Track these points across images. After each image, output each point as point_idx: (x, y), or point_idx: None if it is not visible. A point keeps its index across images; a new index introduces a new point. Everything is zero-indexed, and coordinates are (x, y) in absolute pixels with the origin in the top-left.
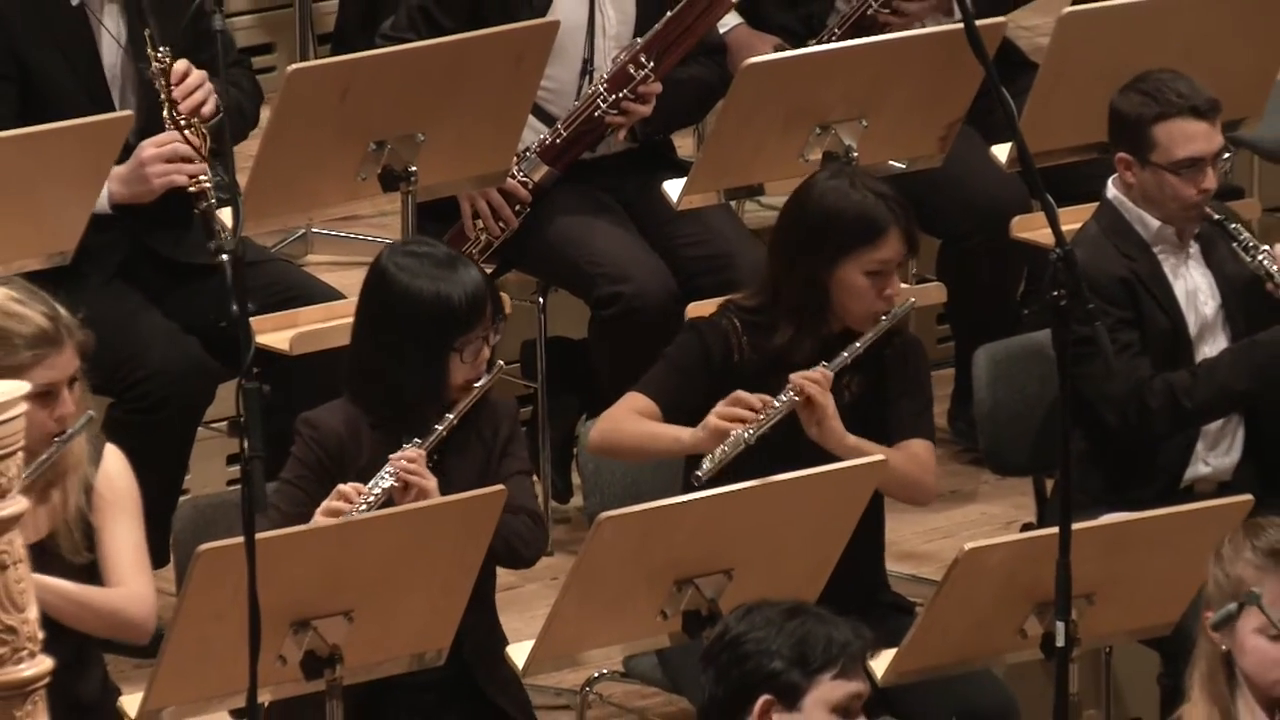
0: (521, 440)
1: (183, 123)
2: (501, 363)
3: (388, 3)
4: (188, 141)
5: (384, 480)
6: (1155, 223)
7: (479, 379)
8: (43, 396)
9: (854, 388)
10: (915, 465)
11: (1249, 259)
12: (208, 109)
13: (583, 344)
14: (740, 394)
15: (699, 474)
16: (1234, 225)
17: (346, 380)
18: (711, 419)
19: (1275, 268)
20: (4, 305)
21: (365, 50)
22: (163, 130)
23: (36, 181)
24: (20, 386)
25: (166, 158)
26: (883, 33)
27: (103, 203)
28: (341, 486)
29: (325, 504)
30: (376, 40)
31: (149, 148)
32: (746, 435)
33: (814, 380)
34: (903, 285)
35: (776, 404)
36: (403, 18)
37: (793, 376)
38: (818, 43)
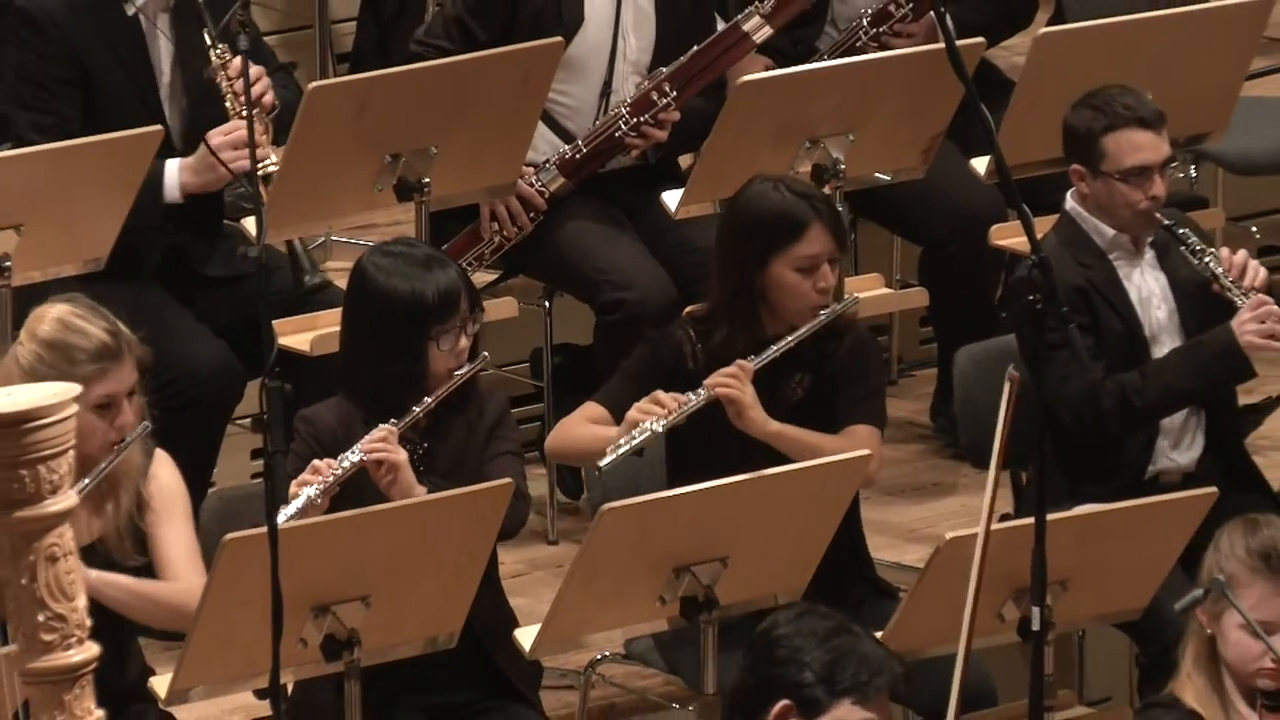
0: (511, 424)
1: (244, 112)
2: (486, 354)
3: (402, 25)
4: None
5: (353, 455)
6: (1110, 231)
7: (460, 368)
8: (103, 408)
9: (805, 384)
10: (851, 447)
11: (1196, 261)
12: (269, 99)
13: (590, 349)
14: (657, 393)
15: (600, 464)
16: (1182, 230)
17: (339, 378)
18: (630, 413)
19: (1219, 269)
20: (68, 321)
21: (382, 68)
22: (206, 133)
23: (72, 192)
24: (72, 388)
25: (234, 145)
26: None
27: (173, 193)
28: (315, 461)
29: (297, 479)
30: (410, 46)
31: (216, 136)
32: (655, 426)
33: (727, 375)
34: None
35: (691, 399)
36: (438, 26)
37: (707, 380)
38: None
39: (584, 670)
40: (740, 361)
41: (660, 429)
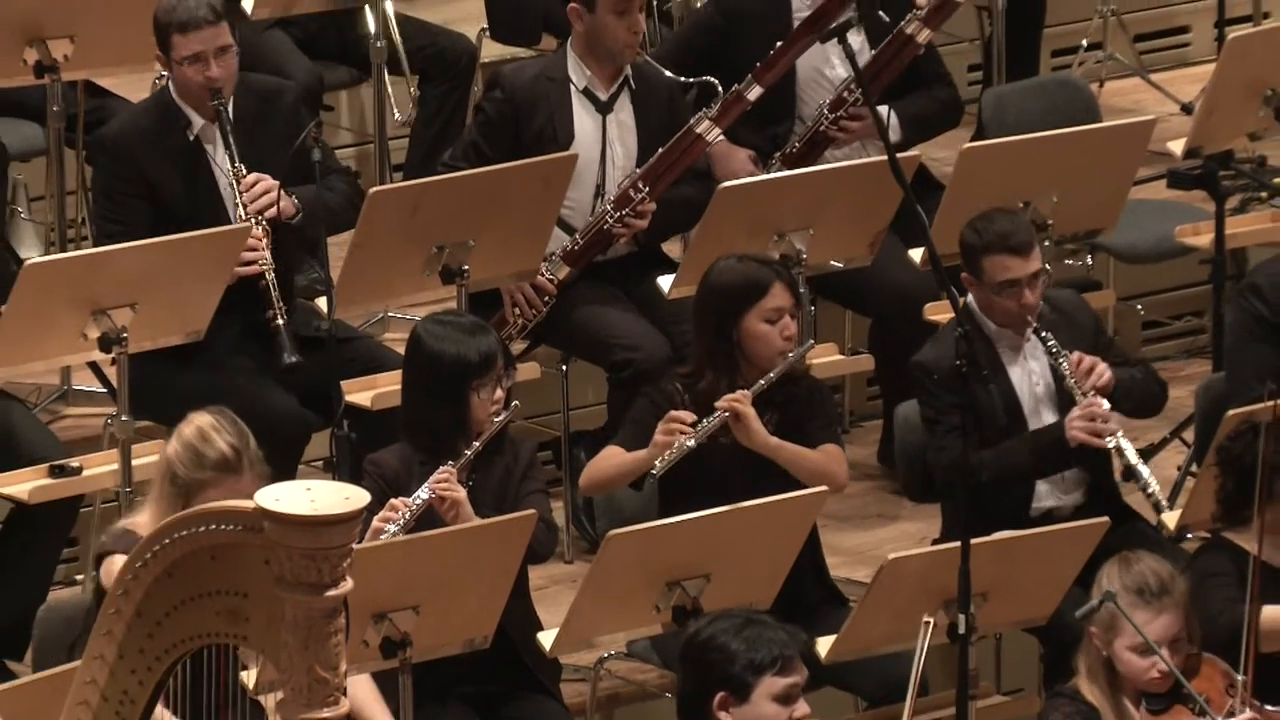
0: (539, 466)
1: (249, 220)
2: (517, 403)
3: (444, 141)
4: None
5: (422, 494)
6: (994, 326)
7: (499, 415)
8: None
9: (774, 421)
10: (827, 459)
11: (1053, 362)
12: (272, 213)
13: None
14: (673, 413)
15: (653, 472)
16: (1045, 334)
17: (401, 426)
18: (656, 436)
19: (1068, 371)
20: (205, 429)
21: (429, 176)
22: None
23: (179, 276)
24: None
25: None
26: (832, 146)
27: None
28: (391, 500)
29: (379, 515)
30: (438, 168)
31: None
32: (688, 443)
33: (735, 398)
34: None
35: (706, 422)
36: (459, 151)
37: (718, 402)
38: (782, 155)
39: (593, 666)
40: (741, 391)
41: (691, 444)
